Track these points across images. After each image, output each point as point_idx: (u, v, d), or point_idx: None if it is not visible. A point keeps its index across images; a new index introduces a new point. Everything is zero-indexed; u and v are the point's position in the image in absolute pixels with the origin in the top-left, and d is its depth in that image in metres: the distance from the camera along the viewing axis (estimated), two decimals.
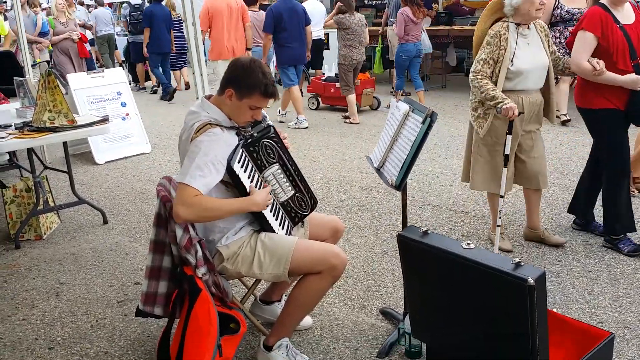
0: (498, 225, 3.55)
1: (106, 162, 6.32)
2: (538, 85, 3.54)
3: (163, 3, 10.06)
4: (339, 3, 7.61)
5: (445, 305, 2.36)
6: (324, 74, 9.74)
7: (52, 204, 4.46)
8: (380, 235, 4.08)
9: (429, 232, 2.32)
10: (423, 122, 2.47)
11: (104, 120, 4.32)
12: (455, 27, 10.13)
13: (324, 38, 9.27)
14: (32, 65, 7.48)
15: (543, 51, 3.50)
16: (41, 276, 3.68)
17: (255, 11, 8.54)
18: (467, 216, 4.37)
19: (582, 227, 4.00)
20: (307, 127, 7.55)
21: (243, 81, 2.42)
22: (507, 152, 3.38)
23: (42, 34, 8.69)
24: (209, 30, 7.59)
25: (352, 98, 7.73)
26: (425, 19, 9.20)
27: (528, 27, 3.47)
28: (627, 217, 3.66)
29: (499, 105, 3.28)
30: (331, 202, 4.74)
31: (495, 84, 3.41)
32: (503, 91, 3.38)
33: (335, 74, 8.78)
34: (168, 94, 10.11)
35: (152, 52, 10.05)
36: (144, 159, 6.47)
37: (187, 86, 11.13)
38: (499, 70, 3.41)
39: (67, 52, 8.73)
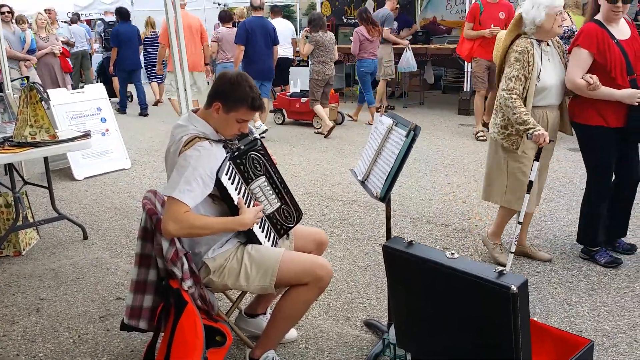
0: (511, 252, 3.44)
1: (85, 178, 6.27)
2: (559, 100, 3.57)
3: (132, 22, 10.44)
4: (307, 27, 8.16)
5: (430, 315, 2.39)
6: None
7: (31, 220, 4.41)
8: (362, 248, 4.11)
9: (414, 242, 2.36)
10: (407, 136, 2.53)
11: (86, 135, 4.30)
12: (432, 46, 10.30)
13: (291, 57, 9.50)
14: (20, 84, 7.47)
15: (562, 66, 3.53)
16: (21, 292, 3.63)
17: (229, 27, 8.92)
18: (447, 229, 4.43)
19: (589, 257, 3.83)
20: (266, 130, 7.92)
21: (230, 95, 2.45)
22: (532, 178, 3.32)
23: (30, 51, 8.55)
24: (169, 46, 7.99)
25: (319, 107, 8.10)
26: (408, 37, 9.42)
27: (547, 44, 3.51)
28: (604, 231, 3.74)
29: (530, 132, 3.27)
30: (313, 216, 4.77)
31: (525, 100, 3.41)
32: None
33: (301, 90, 9.03)
34: (124, 109, 10.66)
35: (119, 69, 10.34)
36: (124, 175, 6.43)
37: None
38: (528, 87, 3.40)
39: (51, 67, 8.68)
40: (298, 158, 6.83)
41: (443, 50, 9.85)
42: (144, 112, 10.34)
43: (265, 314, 3.01)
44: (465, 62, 9.09)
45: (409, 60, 9.30)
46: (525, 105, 3.41)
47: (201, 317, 2.43)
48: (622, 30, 3.53)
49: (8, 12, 7.90)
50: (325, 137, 7.93)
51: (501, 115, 3.56)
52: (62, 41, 9.49)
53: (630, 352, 2.78)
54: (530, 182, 3.35)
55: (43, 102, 4.13)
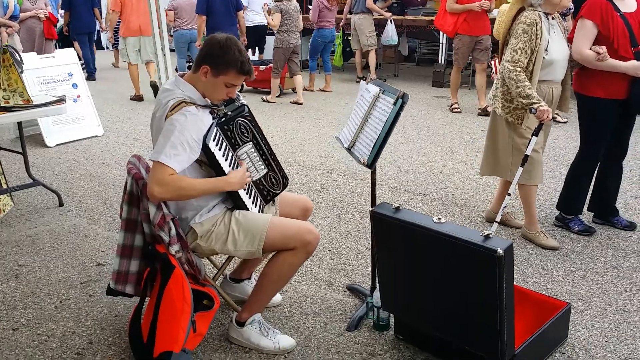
0: (496, 221, 3.41)
1: (57, 145, 6.15)
2: (562, 75, 3.53)
3: None
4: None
5: (416, 279, 2.45)
6: None
7: (5, 186, 4.32)
8: (342, 216, 4.15)
9: (401, 208, 2.40)
10: (394, 103, 2.54)
11: (61, 100, 4.20)
12: (407, 17, 10.28)
13: (266, 24, 9.41)
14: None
15: (565, 41, 3.50)
16: None
17: None
18: (425, 198, 4.50)
19: (603, 220, 3.95)
20: None
21: (219, 58, 2.41)
22: (528, 152, 3.30)
23: (14, 17, 8.18)
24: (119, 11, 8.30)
25: (277, 81, 8.36)
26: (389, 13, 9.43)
27: (553, 17, 3.46)
28: (582, 201, 3.84)
29: (535, 106, 3.22)
30: (292, 186, 4.78)
31: (531, 74, 3.37)
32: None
33: (259, 59, 9.09)
34: (92, 75, 10.48)
35: (77, 33, 10.16)
36: (97, 142, 6.32)
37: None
38: (535, 60, 3.35)
39: (32, 32, 8.35)
40: (275, 128, 6.80)
41: (418, 22, 9.85)
42: (91, 77, 10.30)
43: (250, 279, 3.03)
44: (441, 35, 9.12)
45: (390, 33, 9.34)
46: (531, 79, 3.36)
47: (189, 281, 2.44)
48: (628, 3, 3.49)
49: None
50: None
51: (506, 89, 3.48)
52: None
53: (604, 315, 2.89)
54: (526, 156, 3.32)
55: (16, 66, 4.02)
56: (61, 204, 4.43)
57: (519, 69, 3.33)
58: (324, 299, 3.06)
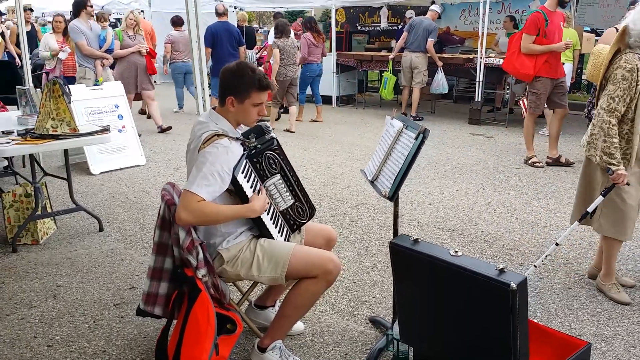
0: (535, 265, 3.31)
1: (101, 173, 6.43)
2: None
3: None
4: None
5: (433, 311, 2.49)
6: None
7: (49, 210, 4.55)
8: (370, 249, 4.21)
9: (420, 240, 2.46)
10: (416, 138, 2.63)
11: (105, 130, 4.44)
12: (445, 55, 10.40)
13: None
14: (94, 84, 7.44)
15: None
16: (38, 278, 3.76)
17: (181, 30, 10.16)
18: (453, 234, 4.52)
19: None
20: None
21: (238, 85, 2.58)
22: (589, 209, 3.26)
23: (108, 51, 8.14)
24: None
25: (276, 109, 9.17)
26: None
27: None
28: None
29: (613, 168, 3.14)
30: (323, 218, 4.87)
31: (632, 121, 3.22)
32: None
33: None
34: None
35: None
36: (138, 171, 6.57)
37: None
38: (635, 107, 3.19)
39: (134, 67, 8.21)
40: (309, 160, 6.94)
41: (455, 59, 9.94)
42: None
43: (274, 306, 3.12)
44: (478, 73, 9.19)
45: (442, 82, 9.55)
46: (633, 127, 3.22)
47: (213, 305, 2.54)
48: None
49: (90, 7, 7.70)
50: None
51: (596, 137, 3.29)
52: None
53: (628, 357, 2.85)
54: (586, 213, 3.29)
55: (65, 97, 4.27)
56: (101, 229, 4.63)
57: (614, 120, 3.19)
58: (346, 330, 3.12)
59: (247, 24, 13.09)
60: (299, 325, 3.05)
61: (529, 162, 6.74)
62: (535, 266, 3.32)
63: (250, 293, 2.94)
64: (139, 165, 6.78)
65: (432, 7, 9.72)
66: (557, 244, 3.28)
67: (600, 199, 3.23)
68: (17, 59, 9.90)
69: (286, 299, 2.69)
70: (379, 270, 3.84)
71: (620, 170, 3.14)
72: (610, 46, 3.35)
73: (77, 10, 7.55)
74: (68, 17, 8.70)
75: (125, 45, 8.23)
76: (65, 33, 8.06)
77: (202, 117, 2.72)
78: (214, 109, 2.72)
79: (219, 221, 2.56)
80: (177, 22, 10.37)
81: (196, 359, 2.46)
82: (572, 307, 3.36)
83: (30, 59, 8.13)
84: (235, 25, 10.52)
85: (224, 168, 2.50)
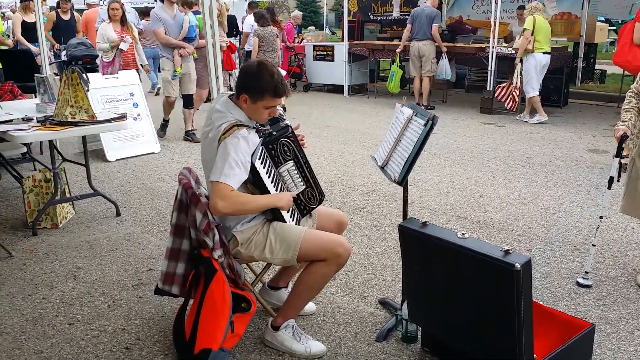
0: (593, 245, 3.52)
1: (117, 160, 6.56)
2: None
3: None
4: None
5: (440, 291, 2.57)
6: None
7: (68, 195, 4.68)
8: (380, 235, 4.30)
9: (428, 223, 2.54)
10: (425, 125, 2.71)
11: (122, 117, 4.54)
12: (457, 45, 10.40)
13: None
14: (172, 76, 7.16)
15: None
16: (59, 261, 3.88)
17: (148, 21, 10.08)
18: (463, 220, 4.59)
19: None
20: None
21: (254, 87, 2.64)
22: (613, 174, 3.42)
23: (188, 39, 7.32)
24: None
25: None
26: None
27: None
28: None
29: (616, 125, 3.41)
30: (334, 204, 4.96)
31: None
32: None
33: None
34: None
35: None
36: (153, 158, 6.69)
37: None
38: None
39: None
40: (321, 149, 7.02)
41: (467, 49, 9.95)
42: None
43: (286, 287, 3.22)
44: (490, 62, 9.19)
45: (445, 68, 9.59)
46: None
47: (229, 284, 2.64)
48: None
49: None
50: None
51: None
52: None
53: (631, 339, 2.92)
54: (611, 178, 3.43)
55: (83, 84, 4.38)
56: (118, 214, 4.75)
57: (629, 93, 3.51)
58: (356, 311, 3.21)
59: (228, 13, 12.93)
60: (311, 306, 3.15)
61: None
62: (593, 245, 3.52)
63: (264, 275, 3.04)
64: (153, 153, 6.91)
65: None
66: (600, 217, 3.46)
67: (615, 160, 3.40)
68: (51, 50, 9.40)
69: (298, 280, 2.79)
70: (389, 255, 3.93)
71: (616, 126, 3.38)
72: None
73: None
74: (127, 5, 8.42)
75: (202, 37, 7.03)
76: (123, 22, 7.63)
77: (218, 104, 2.78)
78: (230, 97, 2.80)
79: (252, 210, 2.68)
80: (144, 12, 11.45)
81: (212, 336, 2.57)
82: (578, 291, 3.43)
83: (65, 49, 7.98)
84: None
85: (246, 157, 2.60)
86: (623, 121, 3.42)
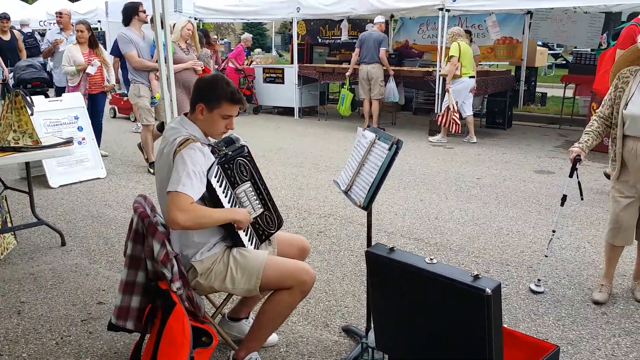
0: (546, 255, 3.77)
1: (60, 186, 6.27)
2: None
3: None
4: None
5: (409, 318, 2.53)
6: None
7: (10, 225, 4.42)
8: (339, 259, 4.24)
9: (395, 248, 2.50)
10: (389, 149, 2.68)
11: (69, 142, 4.35)
12: (405, 68, 10.59)
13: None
14: (151, 103, 6.72)
15: None
16: (0, 295, 3.63)
17: None
18: (420, 243, 4.59)
19: None
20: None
21: (210, 94, 2.60)
22: (566, 192, 3.60)
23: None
24: None
25: None
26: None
27: None
28: None
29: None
30: (291, 229, 4.88)
31: (617, 125, 3.41)
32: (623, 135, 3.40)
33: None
34: None
35: None
36: (99, 184, 6.44)
37: None
38: (616, 112, 3.42)
39: (187, 86, 6.60)
40: (274, 173, 6.94)
41: (415, 73, 10.14)
42: None
43: (247, 318, 3.10)
44: (437, 85, 9.38)
45: (393, 90, 9.75)
46: (612, 130, 3.47)
47: (188, 318, 2.51)
48: None
49: (144, 13, 6.74)
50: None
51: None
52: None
53: (593, 359, 2.95)
54: (564, 197, 3.64)
55: (27, 108, 4.17)
56: (64, 244, 4.52)
57: (594, 116, 3.56)
58: (320, 340, 3.12)
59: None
60: (272, 337, 3.04)
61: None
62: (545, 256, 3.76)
63: (225, 306, 2.92)
64: (99, 178, 6.65)
65: (377, 18, 9.85)
66: (554, 231, 3.68)
67: (568, 180, 3.58)
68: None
69: (262, 311, 2.68)
70: (350, 280, 3.87)
71: (571, 147, 3.52)
72: (618, 61, 3.60)
73: (128, 17, 6.70)
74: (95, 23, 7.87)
75: (178, 59, 6.52)
76: (91, 44, 7.22)
77: (173, 123, 2.72)
78: (185, 114, 2.72)
79: (211, 224, 2.55)
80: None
81: None
82: (537, 312, 3.46)
83: (11, 72, 7.58)
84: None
85: (203, 169, 2.51)
86: (579, 142, 3.50)
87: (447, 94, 8.74)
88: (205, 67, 7.18)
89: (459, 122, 8.74)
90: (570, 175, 3.56)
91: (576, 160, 3.47)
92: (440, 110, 8.98)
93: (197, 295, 2.66)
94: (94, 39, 7.29)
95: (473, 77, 8.82)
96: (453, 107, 8.67)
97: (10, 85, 8.53)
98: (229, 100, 2.61)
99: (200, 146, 2.53)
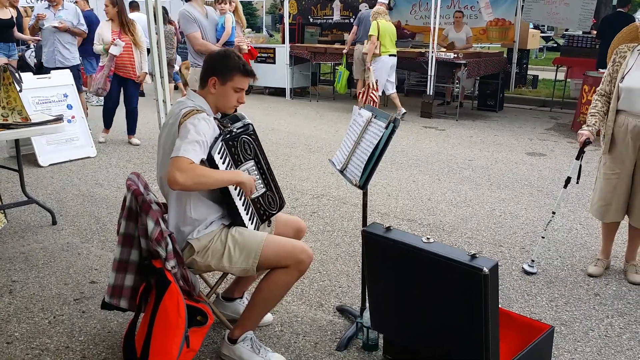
0: (543, 237, 3.81)
1: (50, 165, 6.20)
2: None
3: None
4: None
5: (405, 298, 2.52)
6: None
7: (0, 203, 4.36)
8: (333, 240, 4.23)
9: (392, 228, 2.49)
10: (386, 127, 2.65)
11: (59, 119, 4.28)
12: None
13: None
14: None
15: None
16: None
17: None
18: (413, 224, 4.59)
19: None
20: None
21: (223, 67, 2.59)
22: (571, 174, 3.62)
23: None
24: None
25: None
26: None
27: None
28: None
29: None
30: (284, 210, 4.82)
31: (612, 99, 3.45)
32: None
33: None
34: None
35: None
36: (89, 163, 6.38)
37: None
38: (614, 87, 3.43)
39: None
40: (266, 152, 6.87)
41: (407, 54, 10.07)
42: None
43: (242, 297, 3.09)
44: (429, 67, 9.34)
45: None
46: (610, 105, 3.47)
47: (183, 296, 2.49)
48: None
49: None
50: None
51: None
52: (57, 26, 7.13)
53: (587, 340, 2.97)
54: (568, 178, 3.65)
55: (16, 84, 4.10)
56: (54, 223, 4.47)
57: (596, 96, 3.56)
58: (314, 320, 3.12)
59: None
60: (267, 316, 3.04)
61: None
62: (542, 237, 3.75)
63: (219, 285, 2.91)
64: (89, 157, 6.58)
65: None
66: (553, 213, 3.69)
67: (575, 162, 3.59)
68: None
69: (258, 290, 2.67)
70: (344, 260, 3.86)
71: (581, 130, 3.49)
72: (616, 39, 3.61)
73: None
74: None
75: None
76: (123, 23, 6.72)
77: (180, 99, 2.71)
78: (194, 90, 2.69)
79: (212, 184, 2.46)
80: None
81: (166, 352, 2.42)
82: (531, 292, 3.47)
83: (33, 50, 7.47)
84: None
85: (206, 138, 2.47)
86: (588, 125, 3.48)
87: (367, 71, 8.91)
88: (252, 48, 6.50)
89: (376, 99, 8.84)
90: (577, 158, 3.57)
91: (586, 144, 3.47)
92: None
93: (192, 274, 2.64)
94: (124, 18, 6.76)
95: (394, 55, 9.02)
96: (373, 85, 8.79)
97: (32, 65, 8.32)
98: (242, 72, 2.61)
99: (206, 116, 2.51)
